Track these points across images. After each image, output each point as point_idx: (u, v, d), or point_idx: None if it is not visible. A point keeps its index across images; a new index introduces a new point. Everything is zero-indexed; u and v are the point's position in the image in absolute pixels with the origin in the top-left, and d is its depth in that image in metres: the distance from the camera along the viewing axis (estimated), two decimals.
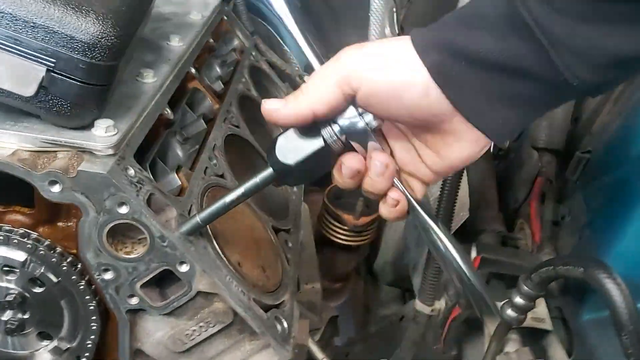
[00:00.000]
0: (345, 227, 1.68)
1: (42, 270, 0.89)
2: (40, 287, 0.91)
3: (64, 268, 0.89)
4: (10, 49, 0.77)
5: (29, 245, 0.88)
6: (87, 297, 0.91)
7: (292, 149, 0.75)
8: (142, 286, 0.89)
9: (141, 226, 0.84)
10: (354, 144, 0.74)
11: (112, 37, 0.79)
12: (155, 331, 0.94)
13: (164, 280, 0.91)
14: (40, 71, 0.78)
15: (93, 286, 0.91)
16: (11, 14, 0.76)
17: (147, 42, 1.11)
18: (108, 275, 0.88)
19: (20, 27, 0.76)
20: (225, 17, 1.54)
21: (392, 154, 0.77)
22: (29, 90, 0.79)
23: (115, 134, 0.84)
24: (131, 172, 0.85)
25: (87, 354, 0.96)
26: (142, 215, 0.83)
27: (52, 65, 0.78)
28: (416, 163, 0.76)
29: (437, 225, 0.75)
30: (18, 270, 0.89)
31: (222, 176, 1.09)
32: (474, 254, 1.21)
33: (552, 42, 0.60)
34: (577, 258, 0.92)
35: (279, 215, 1.23)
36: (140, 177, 0.86)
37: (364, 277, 1.98)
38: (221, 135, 1.18)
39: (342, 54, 0.70)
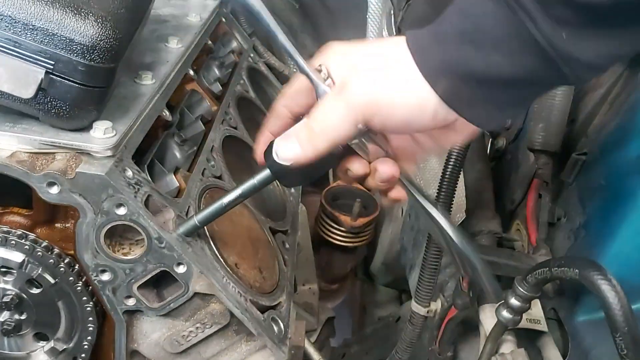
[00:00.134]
0: (343, 229, 1.68)
1: (39, 272, 0.89)
2: (37, 288, 0.91)
3: (62, 269, 0.89)
4: (9, 51, 0.77)
5: (26, 247, 0.88)
6: (84, 298, 0.91)
7: None
8: (139, 287, 0.89)
9: (139, 227, 0.84)
10: (352, 144, 0.75)
11: (111, 40, 0.80)
12: (152, 332, 0.95)
13: (161, 281, 0.91)
14: (39, 73, 0.78)
15: (90, 287, 0.91)
16: (10, 17, 0.76)
17: (146, 44, 1.12)
18: (105, 277, 0.88)
19: (20, 30, 0.76)
20: (223, 19, 1.54)
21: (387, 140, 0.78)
22: (28, 92, 0.79)
23: (114, 135, 0.84)
24: (129, 173, 0.85)
25: (83, 355, 0.96)
26: (139, 217, 0.83)
27: (51, 67, 0.78)
28: (412, 146, 0.78)
29: (437, 207, 0.76)
30: (15, 271, 0.90)
31: (220, 177, 1.10)
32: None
33: (560, 55, 0.60)
34: (572, 259, 0.93)
35: (277, 217, 1.24)
36: (138, 178, 0.86)
37: (360, 278, 1.98)
38: (219, 136, 1.18)
39: (354, 85, 0.69)
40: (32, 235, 0.89)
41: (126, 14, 0.86)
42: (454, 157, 1.15)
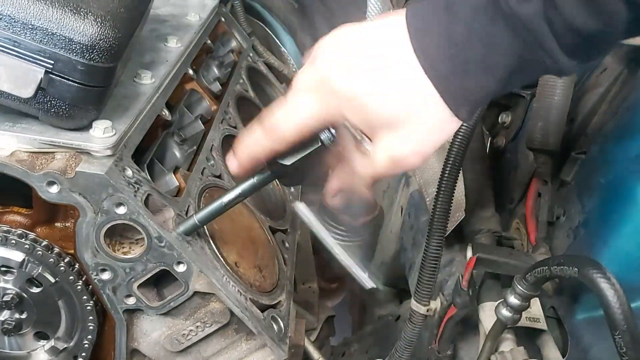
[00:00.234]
0: (342, 228, 1.68)
1: (39, 271, 0.89)
2: (37, 287, 0.91)
3: (62, 268, 0.89)
4: (8, 51, 0.78)
5: (26, 246, 0.88)
6: (85, 297, 0.91)
7: (289, 149, 0.76)
8: (139, 286, 0.89)
9: (139, 227, 0.84)
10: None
11: (110, 39, 0.80)
12: (152, 331, 0.95)
13: (161, 280, 0.91)
14: (39, 73, 0.78)
15: (90, 286, 0.91)
16: (10, 16, 0.76)
17: (145, 43, 1.12)
18: (105, 276, 0.88)
19: (19, 29, 0.77)
20: (222, 19, 1.54)
21: None
22: (28, 92, 0.79)
23: (113, 135, 0.84)
24: (129, 172, 0.85)
25: (83, 354, 0.96)
26: (139, 216, 0.83)
27: (51, 66, 0.78)
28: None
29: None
30: (16, 271, 0.90)
31: (219, 177, 1.10)
32: (469, 254, 1.21)
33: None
34: (571, 258, 0.93)
35: (276, 216, 1.24)
36: (137, 177, 0.86)
37: None
38: (219, 136, 1.18)
39: (399, 145, 0.69)
40: (32, 235, 0.89)
41: (125, 13, 0.86)
42: (453, 155, 1.15)
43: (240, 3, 1.75)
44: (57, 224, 0.91)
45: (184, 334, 0.94)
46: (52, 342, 0.97)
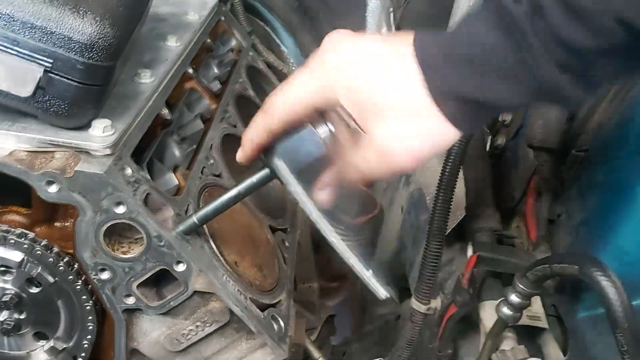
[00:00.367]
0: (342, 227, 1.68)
1: (38, 271, 0.89)
2: (36, 287, 0.91)
3: (61, 268, 0.89)
4: (7, 50, 0.77)
5: (25, 246, 0.88)
6: (84, 297, 0.91)
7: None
8: (138, 286, 0.89)
9: (138, 226, 0.84)
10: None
11: (110, 38, 0.80)
12: (152, 331, 0.95)
13: (161, 279, 0.91)
14: (38, 72, 0.78)
15: (89, 286, 0.91)
16: (9, 15, 0.76)
17: (145, 42, 1.11)
18: (105, 275, 0.88)
19: (18, 28, 0.76)
20: (222, 17, 1.54)
21: None
22: (27, 91, 0.79)
23: (113, 133, 0.84)
24: (128, 171, 0.85)
25: (83, 354, 0.96)
26: (139, 215, 0.83)
27: (50, 65, 0.78)
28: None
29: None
30: (15, 271, 0.90)
31: (219, 176, 1.10)
32: (470, 252, 1.21)
33: (560, 97, 0.63)
34: (572, 256, 0.93)
35: (276, 215, 1.23)
36: (137, 176, 0.86)
37: None
38: (218, 135, 1.18)
39: (388, 144, 0.69)
40: (31, 234, 0.89)
41: (125, 12, 0.86)
42: (453, 154, 1.15)
43: (240, 2, 1.75)
44: (57, 224, 0.91)
45: (184, 334, 0.94)
46: (51, 342, 0.97)
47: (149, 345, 0.95)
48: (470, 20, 0.66)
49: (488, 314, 1.18)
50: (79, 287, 0.90)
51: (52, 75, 0.79)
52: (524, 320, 1.10)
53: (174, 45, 1.15)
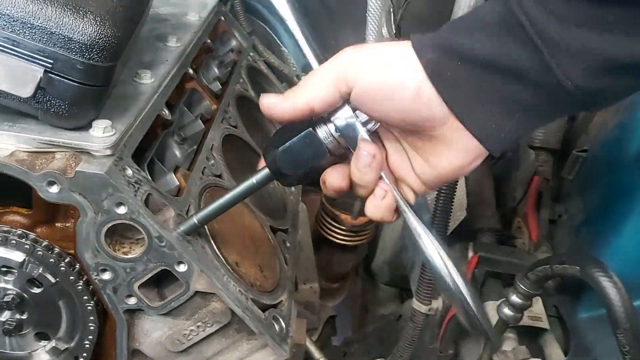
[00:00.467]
0: (343, 227, 1.68)
1: (40, 271, 0.89)
2: (38, 287, 0.91)
3: (62, 268, 0.89)
4: (8, 50, 0.77)
5: (27, 246, 0.88)
6: (85, 298, 0.91)
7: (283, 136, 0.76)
8: (140, 286, 0.89)
9: (139, 226, 0.84)
10: (349, 144, 0.75)
11: (110, 38, 0.80)
12: (153, 331, 0.94)
13: (162, 280, 0.91)
14: (38, 72, 0.78)
15: (91, 286, 0.91)
16: (9, 15, 0.76)
17: (145, 43, 1.11)
18: (106, 276, 0.88)
19: (18, 28, 0.76)
20: (222, 18, 1.54)
21: (386, 157, 0.77)
22: (27, 91, 0.79)
23: (113, 134, 0.84)
24: (129, 172, 0.85)
25: (84, 354, 0.96)
26: (140, 216, 0.83)
27: (50, 66, 0.78)
28: (407, 169, 0.76)
29: (429, 232, 0.72)
30: (16, 271, 0.90)
31: (220, 176, 1.10)
32: (471, 253, 1.21)
33: (546, 42, 0.60)
34: (573, 256, 0.93)
35: (277, 215, 1.23)
36: (138, 177, 0.86)
37: (361, 276, 1.98)
38: (219, 135, 1.18)
39: (342, 53, 0.71)
40: (32, 235, 0.89)
41: (125, 12, 0.85)
42: None
43: (240, 2, 1.75)
44: (58, 224, 0.91)
45: (185, 334, 0.94)
46: (53, 343, 0.97)
47: (150, 345, 0.95)
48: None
49: (489, 314, 1.18)
50: (80, 287, 0.90)
51: (53, 75, 0.79)
52: (525, 321, 1.11)
53: (174, 45, 1.15)
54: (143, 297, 0.90)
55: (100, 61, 0.80)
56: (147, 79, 0.99)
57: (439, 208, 1.14)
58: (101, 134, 0.83)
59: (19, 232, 0.88)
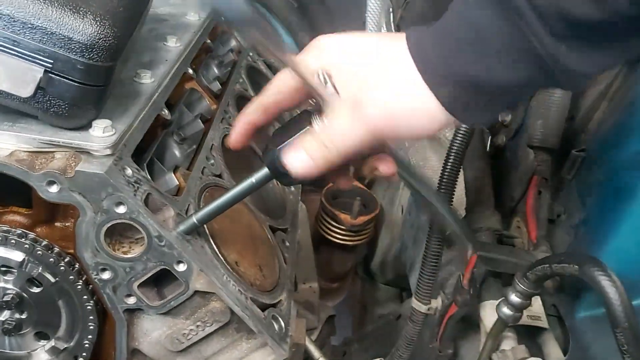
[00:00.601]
0: (343, 227, 1.68)
1: (39, 270, 0.89)
2: (37, 287, 0.91)
3: (62, 268, 0.89)
4: (8, 50, 0.77)
5: (26, 246, 0.88)
6: (85, 297, 0.91)
7: (280, 137, 0.76)
8: (139, 286, 0.89)
9: (139, 226, 0.84)
10: None
11: (110, 38, 0.80)
12: (153, 330, 0.95)
13: (162, 279, 0.91)
14: (38, 72, 0.78)
15: (90, 286, 0.91)
16: (9, 15, 0.76)
17: (145, 42, 1.12)
18: (105, 275, 0.88)
19: (18, 28, 0.76)
20: (222, 18, 1.54)
21: None
22: (27, 91, 0.79)
23: (113, 134, 0.84)
24: (129, 172, 0.85)
25: (84, 354, 0.96)
26: (139, 215, 0.83)
27: (50, 66, 0.78)
28: None
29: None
30: (16, 271, 0.90)
31: (219, 176, 1.10)
32: (470, 252, 1.21)
33: (560, 68, 0.61)
34: (572, 255, 0.93)
35: (277, 215, 1.24)
36: (137, 177, 0.86)
37: (361, 276, 1.98)
38: (218, 135, 1.18)
39: (365, 102, 0.69)
40: (32, 234, 0.89)
41: (124, 12, 0.86)
42: (453, 154, 1.15)
43: None
44: (57, 224, 0.91)
45: (185, 334, 0.94)
46: (52, 342, 0.97)
47: (149, 345, 0.96)
48: (459, 3, 0.66)
49: (488, 313, 1.18)
50: (80, 287, 0.90)
51: (53, 75, 0.79)
52: (524, 320, 1.11)
53: (173, 45, 1.15)
54: (142, 296, 0.90)
55: (100, 61, 0.80)
56: (147, 79, 0.99)
57: None
58: (101, 134, 0.83)
59: (19, 231, 0.88)
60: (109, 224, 0.84)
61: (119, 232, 0.88)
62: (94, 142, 0.82)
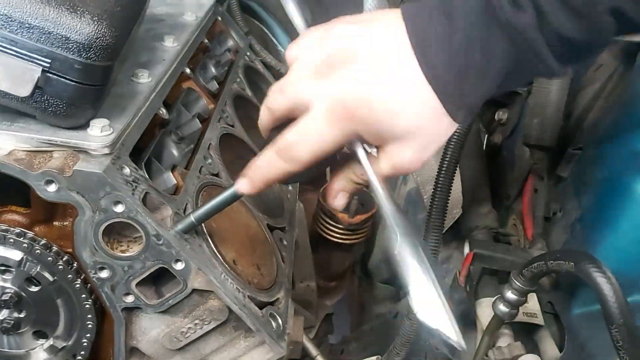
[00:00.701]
0: (340, 226, 1.68)
1: (38, 270, 0.89)
2: (36, 286, 0.92)
3: (60, 267, 0.89)
4: (5, 50, 0.78)
5: (25, 245, 0.88)
6: (83, 296, 0.92)
7: None
8: (137, 284, 0.89)
9: (137, 225, 0.84)
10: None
11: (107, 38, 0.80)
12: (151, 329, 0.95)
13: (160, 278, 0.91)
14: (36, 71, 0.79)
15: (89, 285, 0.91)
16: (6, 15, 0.76)
17: (142, 42, 1.12)
18: (104, 274, 0.88)
19: (16, 28, 0.77)
20: (219, 18, 1.55)
21: None
22: (25, 91, 0.79)
23: (111, 133, 0.84)
24: (127, 171, 0.85)
25: (82, 352, 0.97)
26: (137, 214, 0.84)
27: (48, 65, 0.79)
28: None
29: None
30: (14, 270, 0.90)
31: (217, 175, 1.10)
32: (467, 250, 1.22)
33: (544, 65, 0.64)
34: (567, 252, 0.93)
35: (274, 214, 1.24)
36: (135, 176, 0.86)
37: (358, 275, 1.99)
38: (216, 134, 1.18)
39: (332, 74, 0.68)
40: (30, 234, 0.89)
41: (122, 12, 0.86)
42: (449, 153, 1.15)
43: (237, 2, 1.75)
44: (55, 223, 0.92)
45: (183, 332, 0.95)
46: (51, 341, 0.97)
47: (148, 343, 0.96)
48: (467, 27, 0.63)
49: (484, 311, 1.18)
50: (78, 285, 0.91)
51: (50, 75, 0.79)
52: (520, 317, 1.11)
53: (171, 45, 1.15)
54: (141, 295, 0.90)
55: (97, 60, 0.80)
56: (145, 79, 1.00)
57: (434, 206, 1.15)
58: (99, 133, 0.84)
59: (17, 230, 0.89)
60: (107, 223, 0.84)
61: (117, 231, 0.88)
62: (91, 142, 0.83)
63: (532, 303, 1.16)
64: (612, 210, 1.09)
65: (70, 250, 0.89)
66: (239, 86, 1.43)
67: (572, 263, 0.89)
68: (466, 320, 1.25)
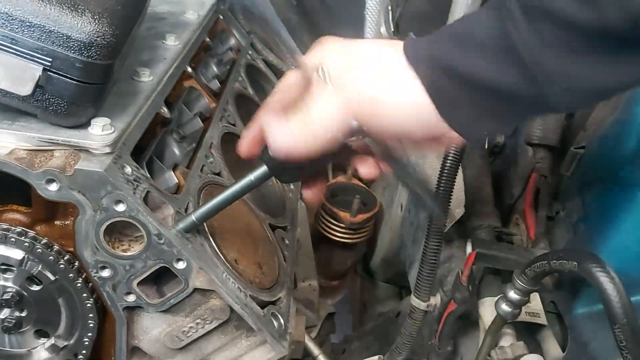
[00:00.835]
0: (342, 225, 1.68)
1: (39, 269, 0.89)
2: (37, 285, 0.92)
3: (61, 266, 0.89)
4: (6, 49, 0.78)
5: (26, 244, 0.88)
6: (84, 295, 0.91)
7: None
8: (139, 283, 0.89)
9: (138, 224, 0.84)
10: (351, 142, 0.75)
11: (108, 36, 0.80)
12: (152, 328, 0.95)
13: (161, 277, 0.91)
14: (37, 70, 0.78)
15: (90, 284, 0.91)
16: (7, 13, 0.76)
17: (143, 41, 1.12)
18: (105, 273, 0.88)
19: (17, 27, 0.77)
20: (221, 16, 1.54)
21: None
22: (26, 90, 0.79)
23: (112, 132, 0.84)
24: (128, 170, 0.85)
25: (84, 351, 0.97)
26: (139, 213, 0.83)
27: (49, 64, 0.78)
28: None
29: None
30: (15, 269, 0.90)
31: (218, 174, 1.10)
32: (469, 249, 1.21)
33: (546, 75, 0.60)
34: (570, 252, 0.93)
35: (276, 213, 1.24)
36: (137, 175, 0.86)
37: (360, 274, 1.99)
38: (218, 133, 1.18)
39: (349, 81, 0.70)
40: (31, 233, 0.89)
41: (123, 10, 0.86)
42: (452, 152, 1.15)
43: (239, 0, 1.75)
44: (57, 222, 0.92)
45: (184, 331, 0.94)
46: (52, 340, 0.97)
47: (149, 342, 0.96)
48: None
49: (487, 310, 1.18)
50: (79, 284, 0.91)
51: (51, 73, 0.79)
52: (523, 317, 1.11)
53: (172, 44, 1.15)
54: (142, 294, 0.90)
55: (98, 59, 0.80)
56: (146, 77, 1.00)
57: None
58: (100, 132, 0.83)
59: (19, 230, 0.89)
60: (109, 222, 0.84)
61: (118, 230, 0.88)
62: (93, 140, 0.82)
63: (535, 303, 1.15)
64: (615, 210, 1.08)
65: (71, 249, 0.89)
66: (240, 85, 1.43)
67: (575, 262, 0.89)
68: (468, 320, 1.25)
